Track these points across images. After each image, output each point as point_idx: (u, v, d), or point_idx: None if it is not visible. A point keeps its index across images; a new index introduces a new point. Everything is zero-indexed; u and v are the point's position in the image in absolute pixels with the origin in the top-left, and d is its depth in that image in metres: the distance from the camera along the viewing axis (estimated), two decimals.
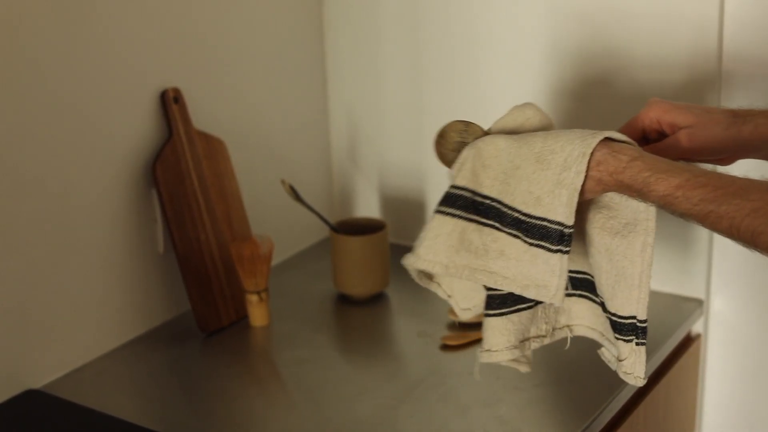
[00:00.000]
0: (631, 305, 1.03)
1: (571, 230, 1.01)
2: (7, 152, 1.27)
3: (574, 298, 1.14)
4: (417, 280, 1.14)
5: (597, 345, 1.15)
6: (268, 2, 1.66)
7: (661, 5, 1.44)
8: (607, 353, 1.11)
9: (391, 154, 1.79)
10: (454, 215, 1.06)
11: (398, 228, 1.80)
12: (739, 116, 1.10)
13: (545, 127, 1.09)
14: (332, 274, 1.61)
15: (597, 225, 1.05)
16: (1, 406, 1.30)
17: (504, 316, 1.10)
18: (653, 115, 1.11)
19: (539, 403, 1.27)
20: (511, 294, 1.08)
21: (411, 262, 1.08)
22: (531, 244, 1.04)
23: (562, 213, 1.00)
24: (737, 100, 1.43)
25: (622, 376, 1.07)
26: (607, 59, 1.51)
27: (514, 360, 1.12)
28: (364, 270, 1.58)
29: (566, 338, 1.15)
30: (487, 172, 1.05)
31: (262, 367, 1.47)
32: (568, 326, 1.16)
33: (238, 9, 1.60)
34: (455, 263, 1.06)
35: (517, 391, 1.30)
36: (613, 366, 1.09)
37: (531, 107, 1.10)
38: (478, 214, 1.06)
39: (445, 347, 1.44)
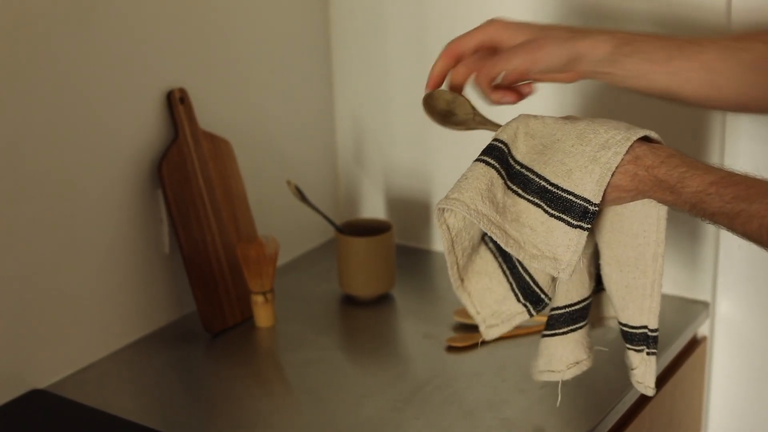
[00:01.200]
0: (642, 315, 1.03)
1: (596, 209, 0.98)
2: (12, 152, 1.27)
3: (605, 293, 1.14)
4: (455, 287, 1.12)
5: (603, 345, 1.15)
6: (274, 3, 1.65)
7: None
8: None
9: (396, 154, 1.79)
10: (487, 163, 1.03)
11: (404, 229, 1.80)
12: (576, 34, 1.09)
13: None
14: (338, 275, 1.61)
15: (606, 237, 1.04)
16: (6, 406, 1.30)
17: (566, 335, 1.10)
18: (491, 31, 1.11)
19: (544, 405, 1.27)
20: (573, 312, 1.08)
21: (440, 202, 1.04)
22: (551, 215, 1.01)
23: (590, 190, 0.98)
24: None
25: (633, 384, 1.07)
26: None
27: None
28: (369, 271, 1.58)
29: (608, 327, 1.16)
30: (527, 140, 1.04)
31: (267, 368, 1.47)
32: (602, 318, 1.16)
33: (244, 10, 1.60)
34: (477, 208, 1.02)
35: (523, 393, 1.30)
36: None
37: (530, 118, 1.10)
38: (507, 173, 1.05)
39: (451, 349, 1.43)
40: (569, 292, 1.09)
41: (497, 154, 1.04)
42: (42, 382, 1.35)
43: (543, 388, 1.30)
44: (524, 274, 1.11)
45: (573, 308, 1.09)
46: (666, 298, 1.52)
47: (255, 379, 1.40)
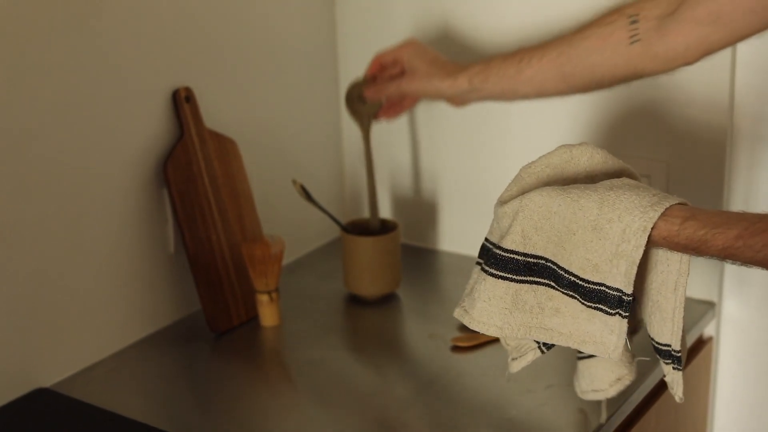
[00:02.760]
0: (666, 336, 1.03)
1: (630, 298, 0.99)
2: (17, 151, 1.27)
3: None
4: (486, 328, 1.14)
5: None
6: (280, 2, 1.65)
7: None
8: None
9: (402, 154, 1.78)
10: (505, 278, 1.06)
11: (409, 229, 1.79)
12: (450, 70, 1.41)
13: (594, 169, 1.08)
14: (343, 274, 1.61)
15: None
16: (11, 405, 1.30)
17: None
18: (404, 52, 1.48)
19: (550, 406, 1.27)
20: None
21: (466, 322, 1.08)
22: (588, 306, 1.03)
23: (621, 281, 0.99)
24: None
25: (668, 387, 1.08)
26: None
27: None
28: (375, 271, 1.58)
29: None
30: (539, 234, 1.04)
31: (272, 367, 1.47)
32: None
33: (251, 9, 1.60)
34: (509, 324, 1.06)
35: (528, 394, 1.29)
36: None
37: (579, 148, 1.09)
38: (531, 275, 1.05)
39: (456, 348, 1.43)
40: None
41: (512, 267, 1.05)
42: (47, 381, 1.36)
43: (549, 389, 1.30)
44: None
45: None
46: None
47: (260, 379, 1.40)
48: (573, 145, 1.09)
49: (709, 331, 1.56)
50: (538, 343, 1.14)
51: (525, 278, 1.06)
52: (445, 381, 1.34)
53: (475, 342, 1.43)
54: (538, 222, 1.04)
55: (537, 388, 1.30)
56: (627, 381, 1.14)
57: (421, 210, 1.80)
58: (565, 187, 1.04)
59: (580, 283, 1.02)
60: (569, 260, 1.02)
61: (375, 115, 1.58)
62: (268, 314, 1.52)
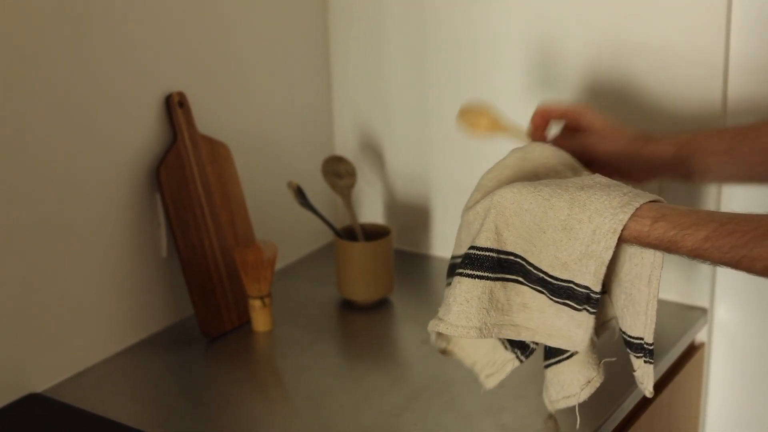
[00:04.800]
0: (639, 328, 1.03)
1: (598, 296, 1.00)
2: (10, 155, 1.27)
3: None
4: (436, 344, 1.15)
5: (600, 353, 1.14)
6: (273, 7, 1.65)
7: (667, 44, 1.45)
8: None
9: (396, 159, 1.79)
10: (482, 277, 1.05)
11: (403, 234, 1.79)
12: (645, 136, 1.19)
13: (549, 161, 1.10)
14: (336, 279, 1.61)
15: None
16: (3, 410, 1.29)
17: (569, 359, 1.12)
18: (580, 108, 1.26)
19: (542, 412, 1.27)
20: None
21: (443, 329, 1.07)
22: (555, 302, 1.04)
23: (590, 280, 1.00)
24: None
25: (638, 383, 1.08)
26: (615, 65, 1.50)
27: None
28: (368, 276, 1.58)
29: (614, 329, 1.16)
30: (510, 230, 1.04)
31: (264, 372, 1.46)
32: (615, 318, 1.16)
33: (244, 13, 1.60)
34: (487, 324, 1.05)
35: (521, 399, 1.29)
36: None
37: (529, 145, 1.12)
38: (503, 272, 1.06)
39: (446, 353, 1.43)
40: None
41: (488, 265, 1.05)
42: (39, 386, 1.35)
43: (541, 395, 1.30)
44: None
45: None
46: (664, 304, 1.53)
47: (252, 384, 1.40)
48: (522, 145, 1.15)
49: (701, 337, 1.56)
50: (515, 353, 1.14)
51: (498, 275, 1.06)
52: (438, 386, 1.34)
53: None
54: (509, 218, 1.04)
55: (530, 394, 1.30)
56: (596, 383, 1.13)
57: (414, 215, 1.80)
58: (536, 183, 1.05)
59: (549, 279, 1.03)
60: (539, 258, 1.03)
61: None
62: (260, 319, 1.51)
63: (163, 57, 1.46)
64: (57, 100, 1.32)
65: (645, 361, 1.05)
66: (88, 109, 1.36)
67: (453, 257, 1.15)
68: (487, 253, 1.05)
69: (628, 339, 1.05)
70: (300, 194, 1.55)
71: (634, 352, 1.05)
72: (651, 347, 1.04)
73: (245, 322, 1.54)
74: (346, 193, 1.64)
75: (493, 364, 1.17)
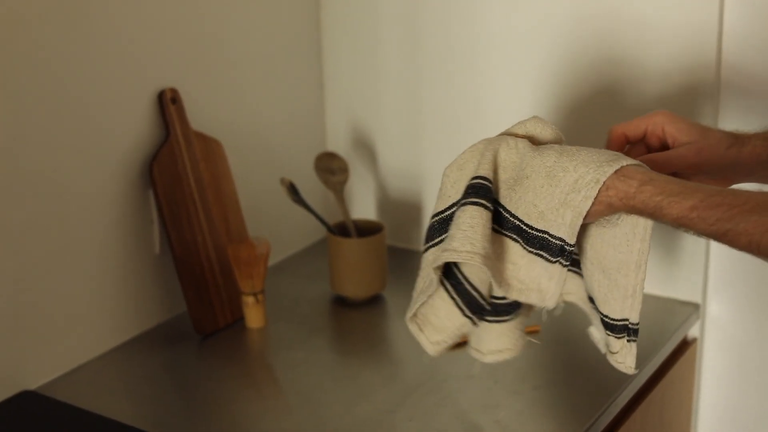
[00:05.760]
0: (624, 311, 1.03)
1: (572, 248, 1.00)
2: (3, 152, 1.26)
3: (570, 273, 1.13)
4: (408, 318, 1.12)
5: (595, 348, 1.14)
6: (265, 4, 1.65)
7: (660, 16, 1.44)
8: (596, 333, 1.11)
9: (388, 156, 1.79)
10: (485, 206, 1.03)
11: (395, 230, 1.80)
12: (738, 138, 1.12)
13: (554, 141, 1.09)
14: (329, 276, 1.61)
15: (590, 236, 1.04)
16: None
17: (500, 323, 1.10)
18: (659, 121, 1.12)
19: (537, 407, 1.27)
20: (504, 305, 1.08)
21: (447, 257, 1.02)
22: (529, 251, 1.03)
23: (565, 232, 0.99)
24: (734, 111, 1.44)
25: (612, 363, 1.07)
26: (606, 65, 1.51)
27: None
28: (361, 272, 1.58)
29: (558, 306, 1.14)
30: (498, 173, 1.04)
31: (258, 369, 1.46)
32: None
33: (236, 10, 1.59)
34: (489, 253, 1.02)
35: (516, 395, 1.30)
36: (601, 349, 1.09)
37: (534, 122, 1.09)
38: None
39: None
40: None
41: (489, 195, 1.03)
42: (32, 383, 1.35)
43: (536, 390, 1.31)
44: (470, 290, 1.10)
45: (499, 302, 1.09)
46: (656, 300, 1.54)
47: (246, 381, 1.40)
48: (530, 119, 1.11)
49: (693, 332, 1.57)
50: (471, 318, 1.10)
51: (491, 208, 1.04)
52: (433, 383, 1.34)
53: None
54: (503, 162, 1.04)
55: (524, 390, 1.30)
56: (506, 355, 1.11)
57: (406, 211, 1.80)
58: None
59: (524, 227, 1.02)
60: (516, 205, 1.02)
61: None
62: (253, 316, 1.51)
63: (155, 53, 1.46)
64: (49, 97, 1.31)
65: (628, 340, 1.05)
66: (81, 106, 1.36)
67: (433, 216, 1.11)
68: (488, 183, 1.04)
69: (610, 321, 1.05)
70: (293, 190, 1.55)
71: (616, 333, 1.05)
72: (637, 326, 1.03)
73: (238, 318, 1.54)
74: (338, 189, 1.64)
75: (442, 331, 1.13)
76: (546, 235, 1.01)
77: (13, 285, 1.30)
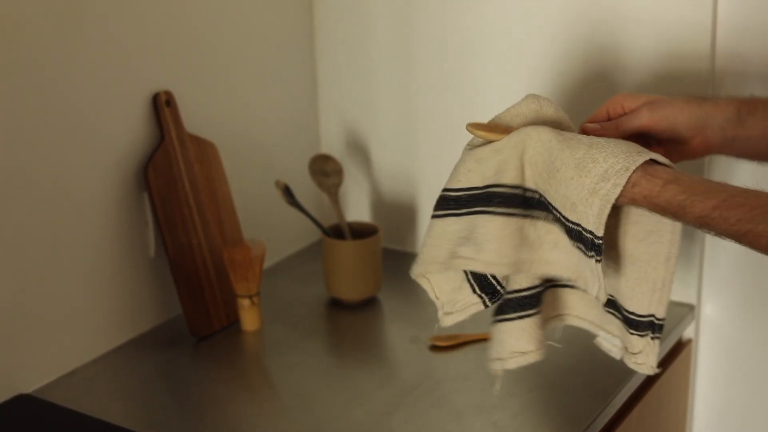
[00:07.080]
0: (651, 306, 1.04)
1: (601, 242, 0.99)
2: None
3: (566, 289, 1.14)
4: (415, 275, 1.12)
5: (591, 350, 1.14)
6: (259, 6, 1.65)
7: (655, 8, 1.44)
8: (606, 343, 1.11)
9: (382, 158, 1.79)
10: (512, 215, 1.04)
11: (390, 232, 1.79)
12: (701, 98, 1.10)
13: (558, 120, 1.09)
14: (324, 278, 1.61)
15: (620, 230, 1.05)
16: None
17: (522, 320, 1.10)
18: (617, 99, 1.13)
19: (533, 409, 1.27)
20: (521, 299, 1.08)
21: (478, 267, 1.05)
22: (571, 242, 1.04)
23: (593, 223, 0.99)
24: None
25: (632, 366, 1.08)
26: (600, 59, 1.51)
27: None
28: (356, 274, 1.58)
29: (558, 328, 1.16)
30: (531, 168, 1.04)
31: (253, 372, 1.46)
32: (559, 315, 1.16)
33: (230, 13, 1.59)
34: (519, 259, 1.05)
35: (512, 397, 1.30)
36: (616, 355, 1.10)
37: (542, 100, 1.10)
38: (530, 208, 1.06)
39: (435, 348, 1.43)
40: (517, 278, 1.10)
41: (516, 202, 1.05)
42: (28, 387, 1.35)
43: (532, 392, 1.31)
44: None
45: (521, 294, 1.09)
46: None
47: (241, 383, 1.40)
48: (538, 96, 1.12)
49: (688, 333, 1.57)
50: (481, 297, 1.12)
51: (526, 212, 1.05)
52: (428, 385, 1.34)
53: (453, 342, 1.43)
54: (533, 157, 1.04)
55: (520, 392, 1.30)
56: (530, 359, 1.11)
57: (400, 214, 1.80)
58: (557, 130, 1.05)
59: (563, 219, 1.03)
60: (553, 197, 1.03)
61: None
62: (249, 318, 1.51)
63: (150, 56, 1.46)
64: (44, 100, 1.31)
65: (652, 338, 1.05)
66: (76, 109, 1.36)
67: (447, 189, 1.10)
68: (514, 191, 1.05)
69: (634, 318, 1.05)
70: (287, 193, 1.55)
71: (640, 331, 1.05)
72: (661, 322, 1.05)
73: (234, 321, 1.54)
74: (333, 191, 1.64)
75: (454, 304, 1.14)
76: (580, 228, 1.01)
77: (8, 288, 1.30)
